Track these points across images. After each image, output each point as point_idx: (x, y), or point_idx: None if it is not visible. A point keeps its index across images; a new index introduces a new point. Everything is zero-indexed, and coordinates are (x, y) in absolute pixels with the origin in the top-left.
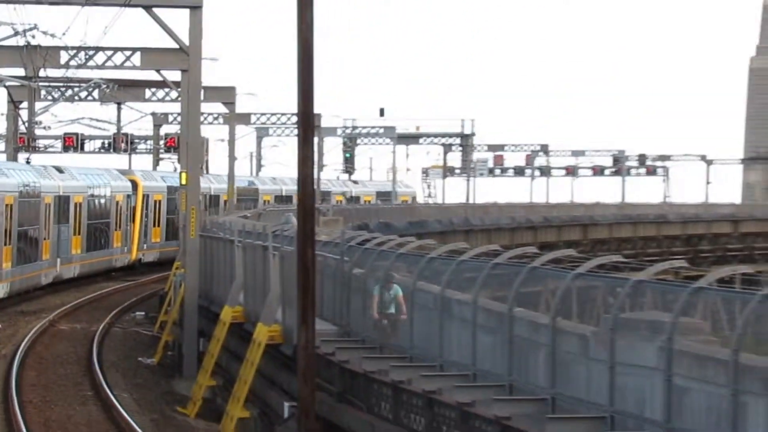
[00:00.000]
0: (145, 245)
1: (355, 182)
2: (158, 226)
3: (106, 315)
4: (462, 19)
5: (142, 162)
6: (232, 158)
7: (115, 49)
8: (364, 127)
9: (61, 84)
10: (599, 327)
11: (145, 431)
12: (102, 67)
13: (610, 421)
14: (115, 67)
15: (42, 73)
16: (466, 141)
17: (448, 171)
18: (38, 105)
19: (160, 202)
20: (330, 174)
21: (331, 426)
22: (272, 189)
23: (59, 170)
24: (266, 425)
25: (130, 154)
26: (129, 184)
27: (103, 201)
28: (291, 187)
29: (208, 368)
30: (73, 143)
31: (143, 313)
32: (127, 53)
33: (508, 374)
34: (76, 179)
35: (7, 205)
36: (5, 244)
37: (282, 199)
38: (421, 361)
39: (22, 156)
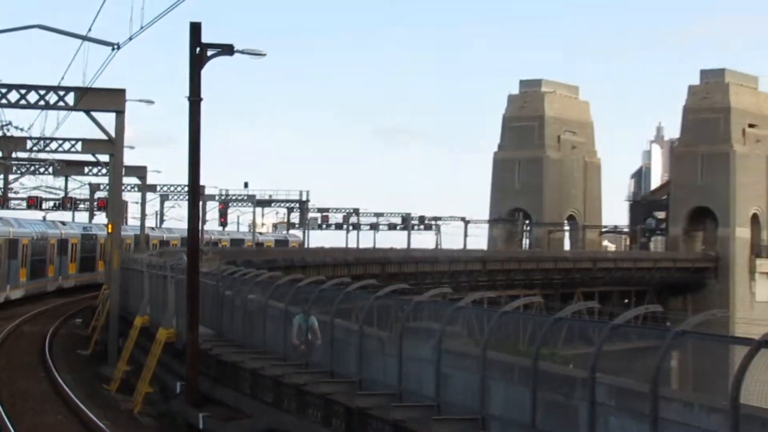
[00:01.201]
0: (61, 276)
1: (261, 233)
2: (74, 261)
3: (55, 321)
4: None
5: (81, 217)
6: (143, 215)
7: (65, 139)
8: (233, 195)
9: (27, 162)
10: (392, 332)
11: (81, 401)
12: (55, 151)
13: (399, 397)
14: (64, 151)
15: (14, 155)
16: (303, 205)
17: (290, 225)
18: (11, 177)
19: (75, 244)
20: (211, 226)
21: (208, 399)
22: (156, 235)
23: (13, 221)
24: (164, 398)
25: (73, 212)
26: (59, 231)
27: (41, 243)
28: (171, 235)
29: (125, 358)
30: (34, 203)
31: (81, 319)
32: (73, 142)
33: (329, 364)
34: (24, 228)
35: None
36: None
37: (163, 242)
38: (272, 354)
39: None
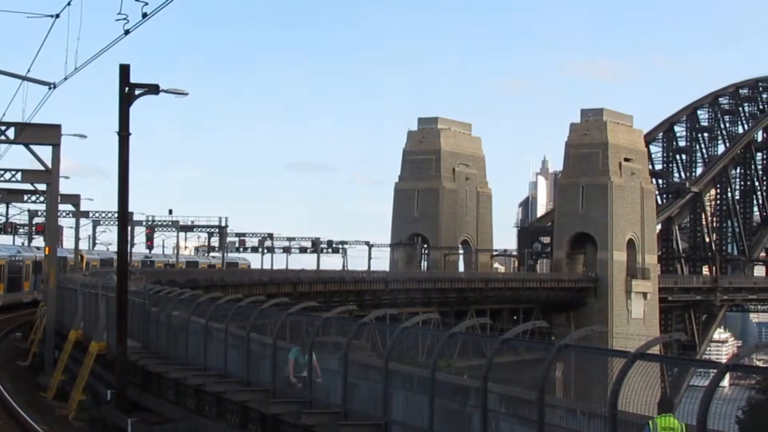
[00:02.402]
0: None
1: (213, 257)
2: (2, 282)
3: None
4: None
5: (20, 240)
6: (77, 239)
7: (5, 170)
8: (159, 221)
9: None
10: (303, 345)
11: (20, 407)
12: None
13: (310, 404)
14: (5, 181)
15: None
16: (222, 230)
17: (211, 249)
18: None
19: (3, 266)
20: (138, 249)
21: (136, 405)
22: (91, 257)
23: None
24: (96, 405)
25: (14, 235)
26: None
27: None
28: (98, 257)
29: (60, 368)
30: None
31: (20, 333)
32: (13, 172)
33: (246, 374)
34: None
35: None
36: None
37: (104, 262)
38: (192, 365)
39: None
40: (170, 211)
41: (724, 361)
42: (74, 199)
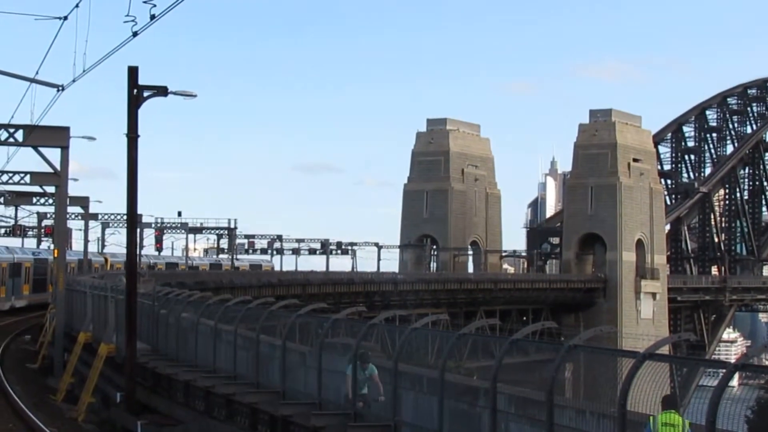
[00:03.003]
0: (13, 296)
1: (237, 259)
2: (27, 283)
3: (6, 337)
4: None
5: (30, 243)
6: (86, 241)
7: (14, 172)
8: (168, 223)
9: None
10: (312, 347)
11: (29, 410)
12: (6, 183)
13: (319, 406)
14: (14, 183)
15: None
16: (231, 232)
17: (220, 251)
18: None
19: (29, 267)
20: (148, 251)
21: (146, 407)
22: (98, 260)
23: None
24: (105, 407)
25: (23, 237)
26: (11, 256)
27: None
28: (115, 259)
29: (69, 371)
30: None
31: (29, 336)
32: (22, 175)
33: (255, 376)
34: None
35: None
36: None
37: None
38: (201, 367)
39: None
40: (179, 213)
41: (733, 361)
42: (83, 202)
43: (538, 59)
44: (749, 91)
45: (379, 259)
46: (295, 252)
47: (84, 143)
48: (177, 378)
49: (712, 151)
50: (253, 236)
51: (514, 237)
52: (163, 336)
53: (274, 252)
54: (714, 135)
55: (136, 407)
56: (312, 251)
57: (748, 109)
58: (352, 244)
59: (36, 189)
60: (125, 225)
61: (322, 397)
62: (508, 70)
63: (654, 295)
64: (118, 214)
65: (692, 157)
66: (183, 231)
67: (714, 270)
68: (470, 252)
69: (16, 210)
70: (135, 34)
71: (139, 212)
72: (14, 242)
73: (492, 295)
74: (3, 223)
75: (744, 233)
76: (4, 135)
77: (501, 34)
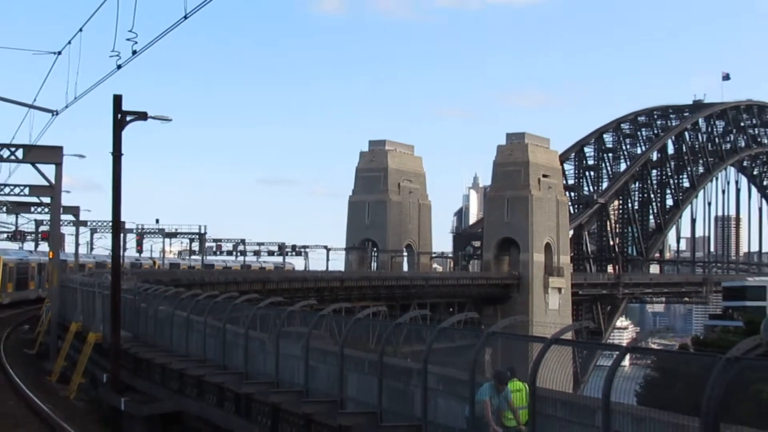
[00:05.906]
0: (2, 293)
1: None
2: (11, 281)
3: (7, 327)
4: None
5: (28, 246)
6: (77, 245)
7: (15, 185)
8: (147, 228)
9: None
10: (271, 335)
11: (28, 389)
12: (8, 195)
13: (277, 385)
14: (15, 195)
15: None
16: (201, 237)
17: (192, 253)
18: None
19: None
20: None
21: (128, 387)
22: (86, 260)
23: None
24: (93, 387)
25: (22, 242)
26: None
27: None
28: (95, 260)
29: (62, 355)
30: None
31: (28, 326)
32: (22, 187)
33: (222, 360)
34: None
35: None
36: None
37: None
38: (176, 352)
39: None
40: (157, 221)
41: (625, 344)
42: (74, 211)
43: (467, 89)
44: (639, 119)
45: (327, 260)
46: (256, 254)
47: (75, 160)
48: (155, 361)
49: (609, 168)
50: (220, 240)
51: (442, 241)
52: (143, 325)
53: (238, 254)
54: (610, 155)
55: (120, 387)
56: (271, 253)
57: (638, 133)
58: (304, 246)
59: (34, 200)
60: (111, 230)
61: (280, 378)
62: (440, 97)
63: (560, 289)
64: (105, 221)
65: (592, 173)
66: (160, 235)
67: (610, 268)
68: (405, 254)
69: (17, 218)
70: (119, 66)
71: (122, 219)
72: (12, 246)
73: (424, 290)
74: (5, 229)
75: (635, 237)
76: (6, 153)
77: (435, 67)
